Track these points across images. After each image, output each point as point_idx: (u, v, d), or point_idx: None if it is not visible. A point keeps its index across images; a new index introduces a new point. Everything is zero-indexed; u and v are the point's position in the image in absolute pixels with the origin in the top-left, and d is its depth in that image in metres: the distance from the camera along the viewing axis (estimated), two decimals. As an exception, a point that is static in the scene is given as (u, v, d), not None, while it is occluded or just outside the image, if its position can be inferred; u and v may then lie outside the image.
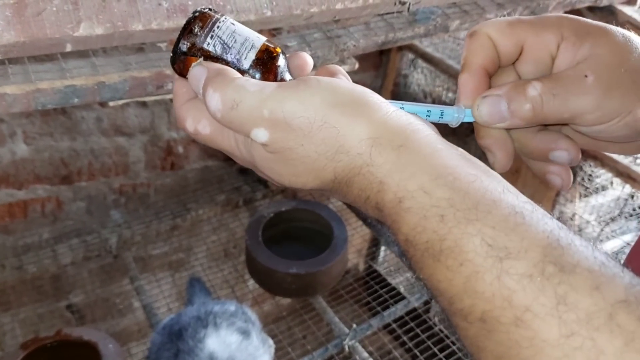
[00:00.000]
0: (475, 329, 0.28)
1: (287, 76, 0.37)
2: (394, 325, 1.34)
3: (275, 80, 0.37)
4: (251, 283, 1.41)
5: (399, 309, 1.32)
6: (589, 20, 0.39)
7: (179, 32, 0.37)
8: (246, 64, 0.36)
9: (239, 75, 0.35)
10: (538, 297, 0.26)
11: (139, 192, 1.47)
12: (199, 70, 0.36)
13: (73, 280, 1.40)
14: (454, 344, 1.29)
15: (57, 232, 1.36)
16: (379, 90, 1.66)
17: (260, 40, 0.37)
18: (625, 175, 1.26)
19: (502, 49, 0.39)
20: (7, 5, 0.56)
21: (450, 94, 1.52)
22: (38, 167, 1.30)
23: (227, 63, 0.36)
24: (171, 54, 0.37)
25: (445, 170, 0.31)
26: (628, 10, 1.18)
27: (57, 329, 1.09)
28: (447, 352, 1.28)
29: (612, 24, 0.39)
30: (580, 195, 1.41)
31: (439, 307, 0.31)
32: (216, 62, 0.36)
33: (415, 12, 0.92)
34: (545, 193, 1.37)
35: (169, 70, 0.71)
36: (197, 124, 0.37)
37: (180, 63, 0.37)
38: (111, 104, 0.75)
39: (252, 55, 0.36)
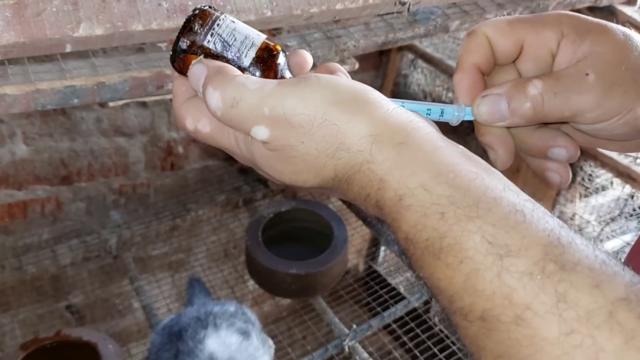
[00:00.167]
0: (476, 327, 0.28)
1: (287, 74, 0.37)
2: (394, 326, 1.34)
3: (275, 78, 0.36)
4: (251, 283, 1.41)
5: (399, 309, 1.32)
6: (589, 18, 0.39)
7: (179, 30, 0.37)
8: (246, 61, 0.36)
9: (239, 73, 0.35)
10: (538, 295, 0.26)
11: (138, 192, 1.47)
12: (198, 68, 0.36)
13: (73, 280, 1.40)
14: (454, 344, 1.29)
15: (57, 232, 1.36)
16: (378, 90, 1.65)
17: (261, 38, 0.37)
18: (625, 175, 1.26)
19: (501, 48, 0.39)
20: (7, 5, 0.56)
21: (450, 94, 1.52)
22: (38, 167, 1.30)
23: (227, 61, 0.36)
24: (171, 52, 0.37)
25: (446, 168, 0.31)
26: (628, 10, 1.18)
27: (57, 329, 1.09)
28: (447, 352, 1.28)
29: None
30: (581, 195, 1.41)
31: (439, 307, 0.31)
32: (216, 60, 0.36)
33: (415, 13, 0.92)
34: (545, 192, 1.37)
35: (169, 70, 0.71)
36: (197, 122, 0.37)
37: (180, 61, 0.37)
38: (111, 104, 0.75)
39: (252, 53, 0.36)
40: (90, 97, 0.68)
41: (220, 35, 0.36)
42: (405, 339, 1.33)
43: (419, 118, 0.34)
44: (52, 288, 1.38)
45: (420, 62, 1.60)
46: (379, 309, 1.36)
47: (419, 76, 1.62)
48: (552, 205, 1.38)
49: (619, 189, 1.40)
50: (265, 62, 0.36)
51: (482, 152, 0.39)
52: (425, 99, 1.60)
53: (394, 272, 1.65)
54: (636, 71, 0.37)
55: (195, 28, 0.36)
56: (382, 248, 1.72)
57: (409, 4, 0.82)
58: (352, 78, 0.38)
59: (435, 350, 1.28)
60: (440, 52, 1.55)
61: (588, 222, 1.43)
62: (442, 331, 1.36)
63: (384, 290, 1.43)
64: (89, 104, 0.71)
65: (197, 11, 0.37)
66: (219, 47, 0.36)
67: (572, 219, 1.42)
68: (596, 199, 1.41)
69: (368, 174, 0.32)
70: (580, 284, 0.26)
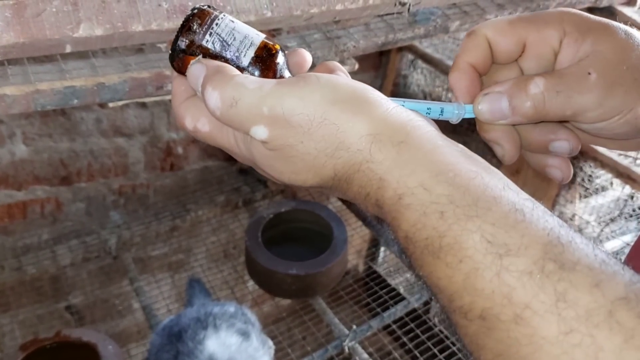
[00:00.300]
0: (475, 326, 0.28)
1: (287, 73, 0.37)
2: (393, 326, 1.34)
3: (274, 77, 0.36)
4: (251, 284, 1.41)
5: (398, 310, 1.32)
6: (590, 16, 0.39)
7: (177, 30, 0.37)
8: (245, 61, 0.36)
9: (237, 72, 0.35)
10: (538, 294, 0.26)
11: (138, 193, 1.47)
12: (197, 67, 0.35)
13: (72, 281, 1.40)
14: (454, 344, 1.29)
15: (57, 233, 1.36)
16: (378, 90, 1.66)
17: (260, 37, 0.37)
18: (625, 176, 1.26)
19: (502, 47, 0.39)
20: (7, 6, 0.56)
21: (450, 94, 1.52)
22: (37, 168, 1.30)
23: (226, 60, 0.36)
24: (170, 52, 0.37)
25: (445, 167, 0.31)
26: (628, 11, 1.18)
27: (57, 330, 1.09)
28: (447, 352, 1.28)
29: None
30: (580, 196, 1.41)
31: (438, 306, 0.31)
32: (215, 59, 0.36)
33: (415, 13, 0.92)
34: (545, 192, 1.37)
35: (169, 71, 0.71)
36: (196, 122, 0.37)
37: (179, 61, 0.37)
38: (111, 105, 0.75)
39: (251, 53, 0.36)
40: (90, 97, 0.68)
41: (219, 35, 0.36)
42: (405, 339, 1.33)
43: (419, 117, 0.34)
44: (52, 288, 1.38)
45: (420, 63, 1.60)
46: (378, 309, 1.35)
47: (419, 77, 1.62)
48: (551, 206, 1.38)
49: (619, 190, 1.40)
50: (264, 62, 0.36)
51: (482, 151, 0.39)
52: (425, 99, 1.60)
53: (394, 272, 1.65)
54: (637, 70, 0.37)
55: (194, 27, 0.36)
56: (382, 249, 1.72)
57: (409, 5, 0.82)
58: (352, 78, 0.38)
59: (435, 350, 1.28)
60: (440, 52, 1.55)
61: (588, 222, 1.43)
62: (442, 332, 1.36)
63: (384, 290, 1.43)
64: (88, 104, 0.71)
65: (195, 10, 0.37)
66: (217, 47, 0.36)
67: (571, 219, 1.42)
68: (596, 199, 1.41)
69: (367, 173, 0.32)
70: (579, 283, 0.26)
